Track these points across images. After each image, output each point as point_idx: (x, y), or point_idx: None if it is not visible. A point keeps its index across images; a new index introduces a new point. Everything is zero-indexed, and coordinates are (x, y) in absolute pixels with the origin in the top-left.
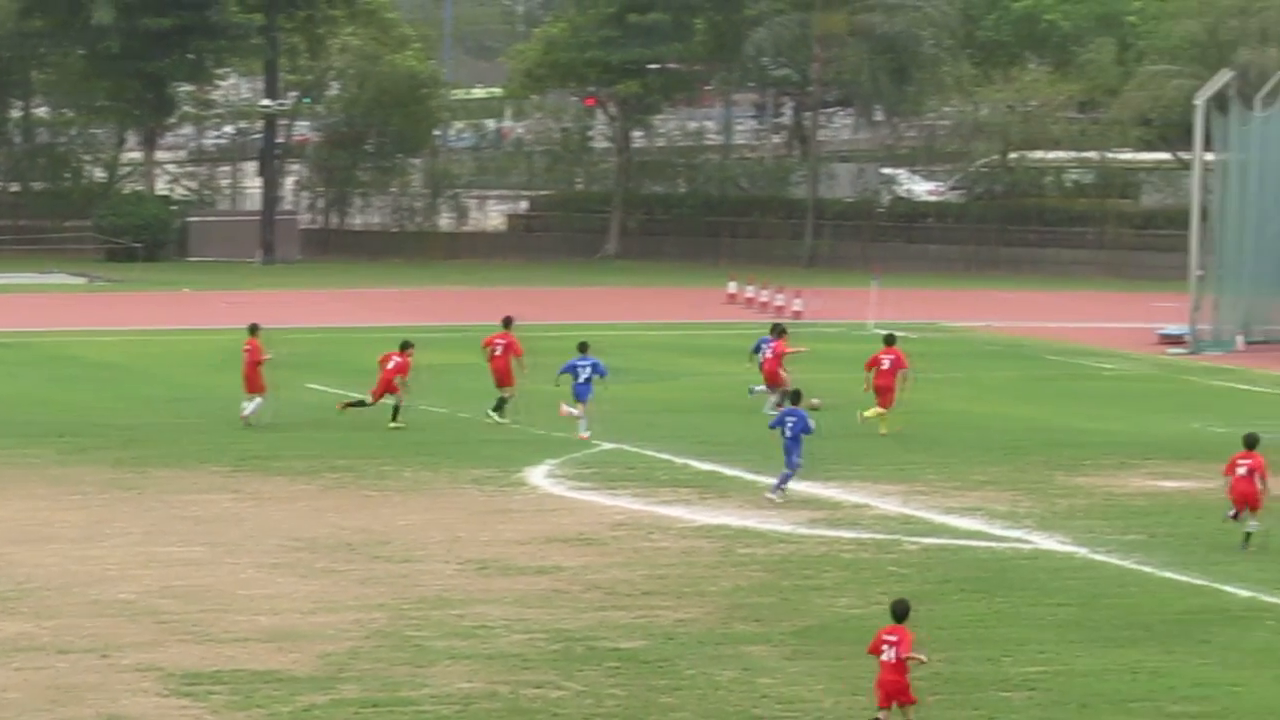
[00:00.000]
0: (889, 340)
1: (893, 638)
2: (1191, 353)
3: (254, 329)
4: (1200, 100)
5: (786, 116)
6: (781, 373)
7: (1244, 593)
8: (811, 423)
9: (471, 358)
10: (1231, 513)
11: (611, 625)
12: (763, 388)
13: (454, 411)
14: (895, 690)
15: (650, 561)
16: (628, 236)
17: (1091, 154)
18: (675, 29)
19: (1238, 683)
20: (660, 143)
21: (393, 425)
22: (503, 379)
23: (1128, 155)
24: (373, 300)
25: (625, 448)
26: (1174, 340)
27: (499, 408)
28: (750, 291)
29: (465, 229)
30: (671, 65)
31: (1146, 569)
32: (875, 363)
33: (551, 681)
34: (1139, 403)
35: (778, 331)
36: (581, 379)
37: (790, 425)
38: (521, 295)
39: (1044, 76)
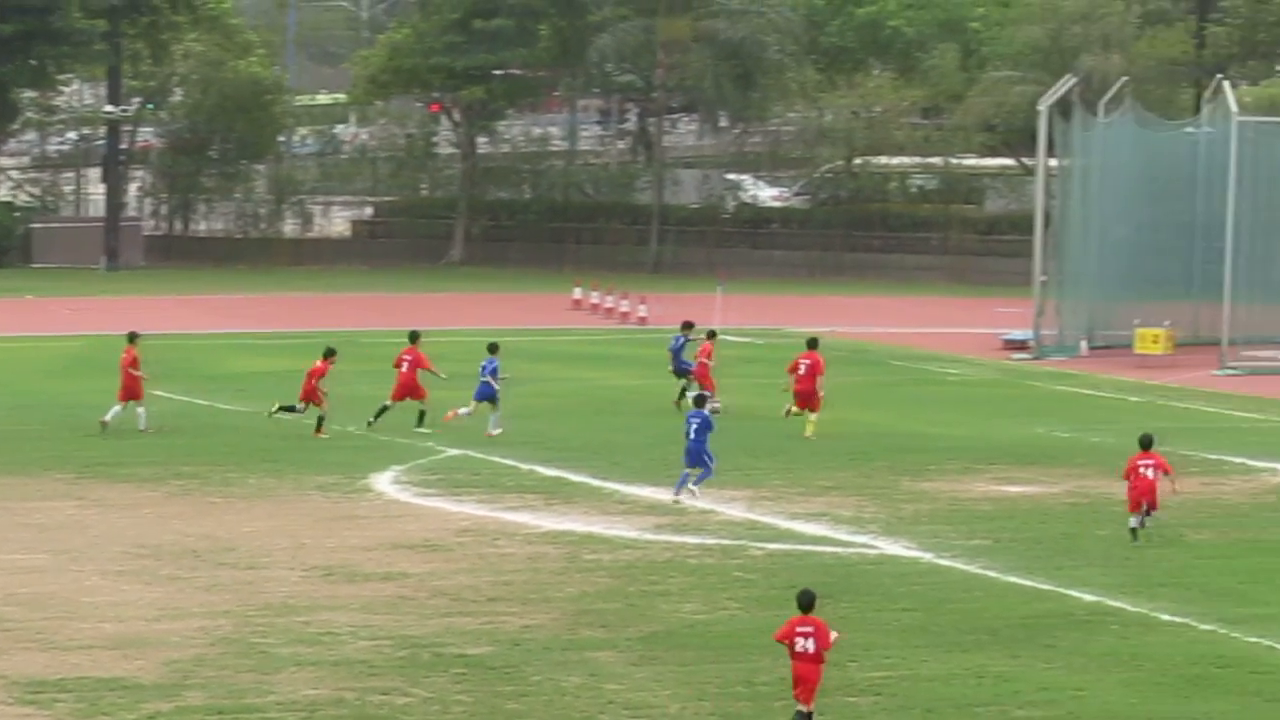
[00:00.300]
0: (811, 344)
1: (808, 629)
2: (1036, 358)
3: (133, 337)
4: (1044, 106)
5: (631, 122)
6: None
7: (1089, 597)
8: (713, 422)
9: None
10: (1137, 520)
11: (458, 631)
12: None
13: (298, 418)
14: (813, 680)
15: (496, 568)
16: (473, 242)
17: (936, 160)
18: (520, 35)
19: (1083, 687)
20: (505, 149)
21: (319, 435)
22: (413, 393)
23: (972, 161)
24: (217, 306)
25: (471, 454)
26: (1018, 345)
27: (420, 420)
28: (595, 297)
29: (310, 235)
30: (516, 71)
31: (992, 574)
32: (794, 368)
33: (398, 688)
34: (983, 408)
35: (709, 335)
36: (486, 378)
37: (694, 426)
38: (366, 301)
39: (888, 82)
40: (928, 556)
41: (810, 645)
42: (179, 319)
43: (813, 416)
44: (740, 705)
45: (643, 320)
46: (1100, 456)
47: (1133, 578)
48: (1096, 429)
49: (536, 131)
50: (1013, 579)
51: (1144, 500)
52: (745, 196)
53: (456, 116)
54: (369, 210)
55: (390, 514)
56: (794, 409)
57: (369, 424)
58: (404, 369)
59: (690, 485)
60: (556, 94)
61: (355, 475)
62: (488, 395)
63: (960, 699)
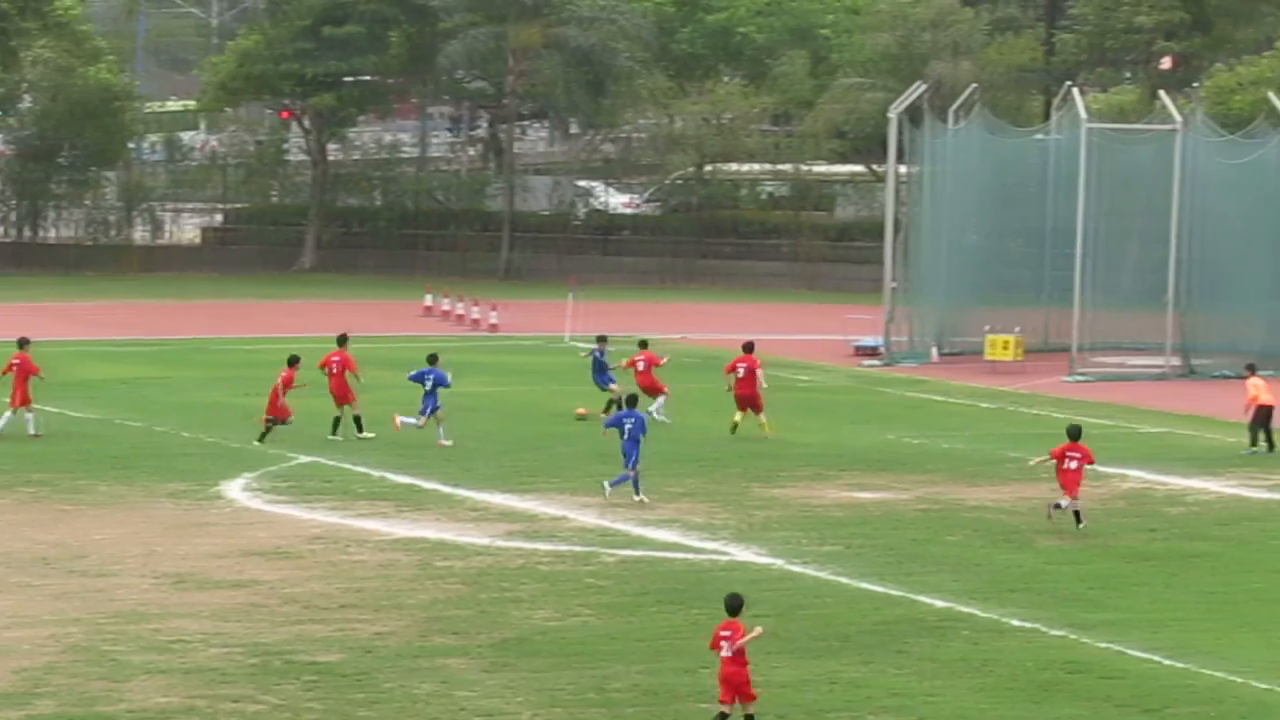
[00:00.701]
0: (747, 348)
1: (727, 632)
2: (886, 364)
3: (23, 342)
4: (894, 113)
5: (483, 129)
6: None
7: (940, 603)
8: (647, 424)
9: (167, 371)
10: (1063, 504)
11: (309, 639)
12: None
13: (149, 425)
14: (737, 681)
15: (348, 575)
16: (324, 249)
17: (787, 166)
18: (370, 41)
19: (934, 693)
20: (356, 155)
21: (258, 438)
22: (341, 397)
23: (823, 168)
24: (67, 313)
25: (322, 461)
26: (869, 352)
27: (357, 423)
28: (447, 304)
29: (161, 242)
30: (367, 78)
31: (844, 580)
32: (733, 368)
33: (249, 695)
34: (835, 414)
35: (641, 344)
36: (427, 388)
37: (629, 427)
38: (217, 309)
39: (739, 89)
40: (780, 563)
41: (730, 649)
42: (29, 326)
43: (762, 417)
44: (593, 712)
45: (494, 327)
46: (951, 463)
47: (984, 583)
48: (947, 435)
49: (388, 138)
50: (865, 585)
51: (1068, 493)
52: (596, 203)
53: (307, 123)
54: (219, 217)
55: (242, 521)
56: (737, 420)
57: (365, 436)
58: (334, 371)
59: (608, 483)
60: (407, 101)
61: (207, 482)
62: (435, 406)
63: (812, 705)
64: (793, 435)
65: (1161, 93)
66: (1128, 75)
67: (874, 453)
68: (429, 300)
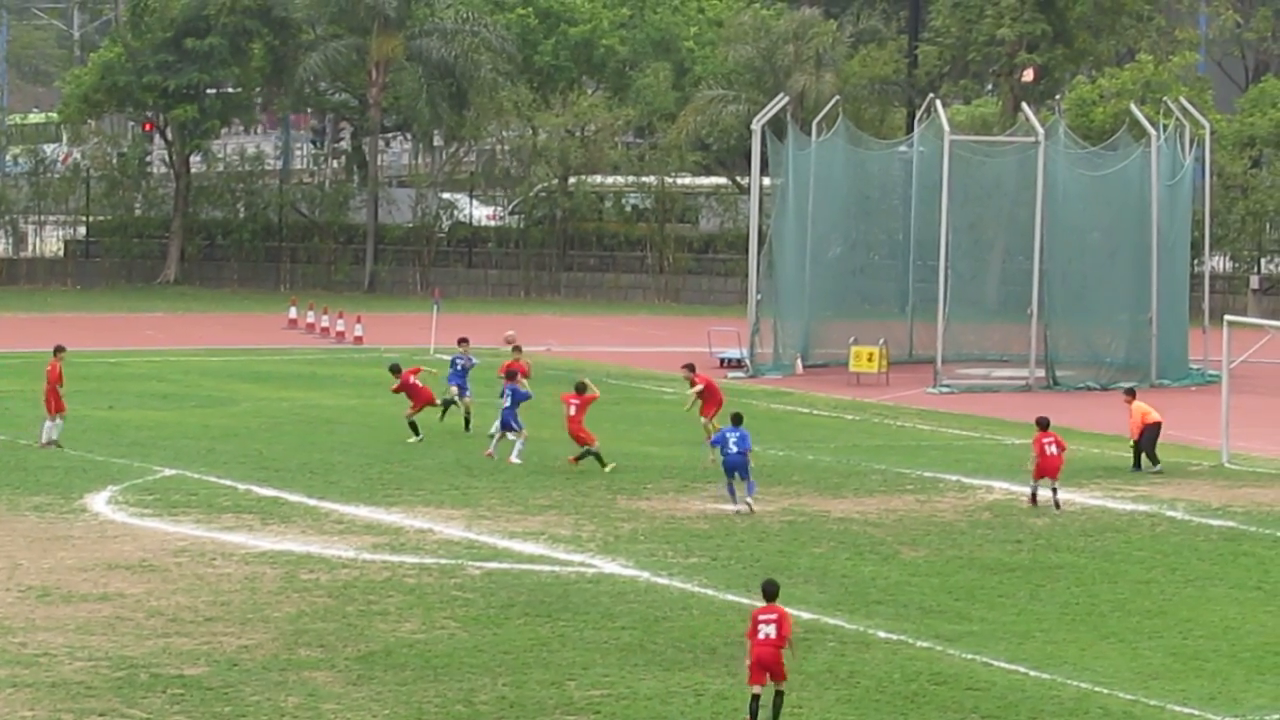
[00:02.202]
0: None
1: (770, 616)
2: (751, 376)
3: (58, 350)
4: (757, 125)
5: (345, 141)
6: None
7: (806, 614)
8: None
9: (30, 385)
10: (1034, 487)
11: (175, 652)
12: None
13: (14, 438)
14: (770, 663)
15: (213, 588)
16: (188, 262)
17: (650, 179)
18: (232, 54)
19: (800, 704)
20: (219, 168)
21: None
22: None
23: (686, 180)
24: None
25: (187, 474)
26: (734, 364)
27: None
28: (311, 317)
29: (23, 255)
30: (229, 90)
31: (709, 592)
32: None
33: (115, 709)
34: (699, 427)
35: (516, 350)
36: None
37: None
38: (79, 321)
39: (602, 101)
40: (645, 575)
41: (771, 631)
42: None
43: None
44: None
45: (359, 339)
46: (815, 475)
47: (849, 595)
48: (812, 447)
49: (250, 150)
50: (730, 597)
51: (1049, 475)
52: (460, 215)
53: (170, 135)
54: (82, 230)
55: (106, 534)
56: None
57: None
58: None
59: (749, 498)
60: (270, 113)
61: (70, 496)
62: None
63: (678, 717)
64: (658, 448)
65: (1024, 105)
66: (990, 87)
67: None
68: (293, 313)
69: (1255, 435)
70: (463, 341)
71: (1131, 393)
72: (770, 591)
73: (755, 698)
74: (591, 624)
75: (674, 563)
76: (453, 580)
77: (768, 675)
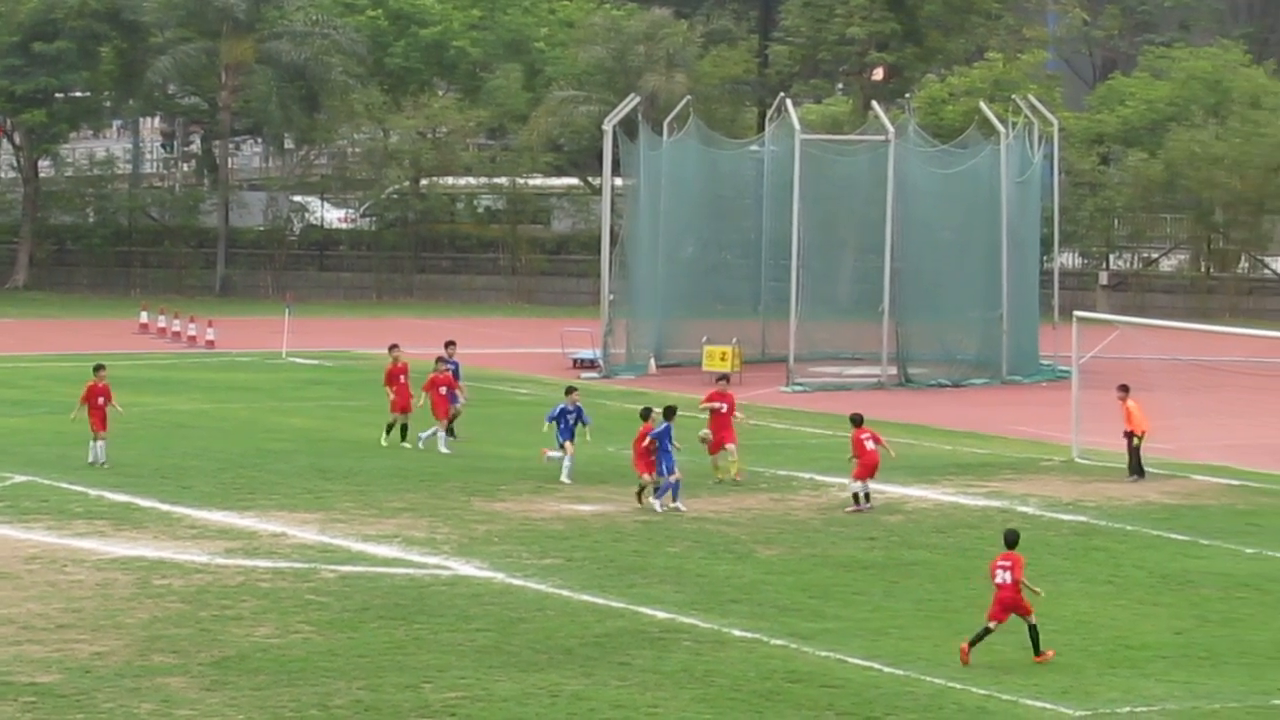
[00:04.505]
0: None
1: (1007, 563)
2: (605, 376)
3: (97, 369)
4: (609, 125)
5: (196, 145)
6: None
7: (662, 614)
8: None
9: None
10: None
11: (27, 659)
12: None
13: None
14: (1012, 603)
15: (66, 594)
16: (37, 267)
17: (502, 180)
18: (81, 57)
19: (657, 704)
20: (69, 172)
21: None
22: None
23: (538, 181)
24: None
25: (38, 480)
26: (587, 365)
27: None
28: (162, 321)
29: None
30: (78, 94)
31: (565, 593)
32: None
33: None
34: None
35: (450, 346)
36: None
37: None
38: None
39: (453, 103)
40: (501, 576)
41: (1008, 577)
42: None
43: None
44: None
45: (210, 344)
46: None
47: (704, 594)
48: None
49: (100, 154)
50: (586, 597)
51: (870, 474)
52: (312, 219)
53: (18, 139)
54: None
55: None
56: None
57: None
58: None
59: (654, 499)
60: (119, 117)
61: None
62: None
63: (535, 718)
64: (512, 449)
65: (874, 103)
66: (840, 86)
67: (593, 465)
68: (144, 318)
69: (1105, 431)
70: (449, 345)
71: (1125, 389)
72: (1011, 540)
73: (986, 629)
74: (447, 626)
75: (529, 564)
76: (307, 584)
77: (1010, 613)
